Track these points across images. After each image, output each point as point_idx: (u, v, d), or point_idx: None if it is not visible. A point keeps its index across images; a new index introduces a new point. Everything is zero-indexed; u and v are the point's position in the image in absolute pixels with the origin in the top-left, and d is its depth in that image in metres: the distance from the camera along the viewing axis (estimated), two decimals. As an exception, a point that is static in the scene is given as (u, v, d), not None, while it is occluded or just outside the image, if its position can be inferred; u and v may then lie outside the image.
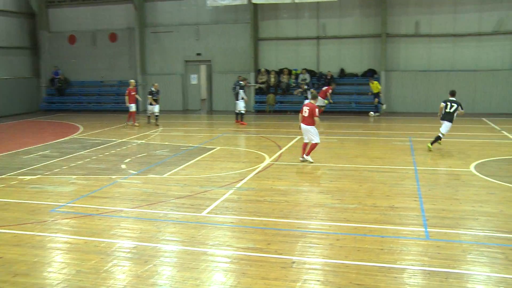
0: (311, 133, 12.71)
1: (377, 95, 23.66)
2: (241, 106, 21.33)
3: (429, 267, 6.36)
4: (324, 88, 22.93)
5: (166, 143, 16.64)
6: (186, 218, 8.60)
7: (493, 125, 19.41)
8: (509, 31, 23.24)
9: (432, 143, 14.42)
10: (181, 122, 23.21)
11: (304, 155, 12.90)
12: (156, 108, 21.15)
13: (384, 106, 23.85)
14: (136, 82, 24.23)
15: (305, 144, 12.97)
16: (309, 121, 12.65)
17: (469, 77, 23.61)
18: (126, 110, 21.88)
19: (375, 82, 23.54)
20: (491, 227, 7.85)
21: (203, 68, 28.54)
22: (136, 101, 21.65)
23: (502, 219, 8.22)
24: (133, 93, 21.46)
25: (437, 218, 8.28)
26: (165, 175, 11.84)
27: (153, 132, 19.28)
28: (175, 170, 12.38)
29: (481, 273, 6.21)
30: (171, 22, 27.63)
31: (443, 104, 14.56)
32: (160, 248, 7.26)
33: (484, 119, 21.07)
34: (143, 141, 17.00)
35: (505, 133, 17.16)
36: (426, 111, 24.13)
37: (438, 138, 14.47)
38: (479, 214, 8.49)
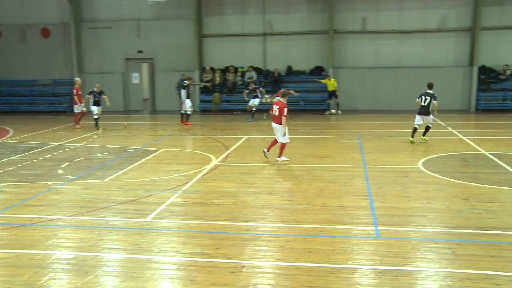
0: (279, 133, 12.90)
1: (333, 92, 23.88)
2: (187, 106, 21.08)
3: (380, 265, 6.54)
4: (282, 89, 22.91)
5: (107, 145, 16.25)
6: (130, 224, 8.43)
7: (439, 121, 20.21)
8: (452, 28, 24.31)
9: (424, 134, 15.58)
10: (123, 123, 22.75)
11: (277, 158, 13.10)
12: (98, 110, 20.36)
13: (333, 111, 24.21)
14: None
15: (275, 141, 13.11)
16: (279, 120, 12.81)
17: (416, 74, 24.50)
18: (63, 111, 21.21)
19: (333, 79, 23.78)
20: (439, 223, 8.17)
21: (145, 66, 28.11)
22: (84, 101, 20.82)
23: (449, 214, 8.57)
24: (80, 92, 20.70)
25: (387, 216, 8.53)
26: (106, 180, 11.56)
27: (92, 134, 18.78)
28: (117, 174, 12.12)
29: (430, 269, 6.45)
30: (109, 18, 27.03)
31: (418, 100, 15.45)
32: (102, 257, 7.07)
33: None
34: (81, 144, 16.53)
35: (451, 130, 17.92)
36: (375, 109, 24.85)
37: (427, 129, 15.58)
38: (428, 210, 8.81)
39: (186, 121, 21.13)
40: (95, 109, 20.36)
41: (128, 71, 27.47)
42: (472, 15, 23.95)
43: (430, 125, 15.61)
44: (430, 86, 15.58)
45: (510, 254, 6.81)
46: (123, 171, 12.43)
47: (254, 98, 22.34)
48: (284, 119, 12.67)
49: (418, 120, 15.45)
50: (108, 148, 15.73)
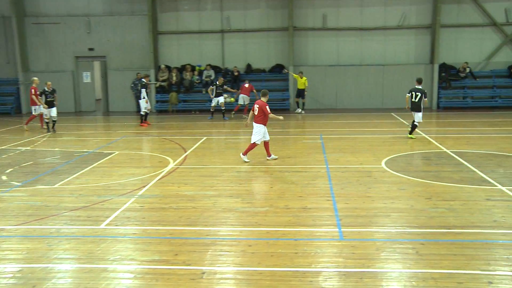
0: (254, 132, 13.08)
1: (302, 91, 23.90)
2: (143, 106, 20.77)
3: (344, 268, 6.63)
4: (247, 85, 22.80)
5: (57, 149, 15.88)
6: (83, 232, 8.26)
7: (401, 120, 20.69)
8: (412, 25, 24.95)
9: (411, 132, 16.11)
10: (74, 125, 22.28)
11: (241, 154, 13.32)
12: (52, 112, 19.28)
13: (298, 110, 24.38)
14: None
15: (266, 143, 13.37)
16: (258, 119, 13.00)
17: (377, 71, 25.02)
18: (7, 113, 20.57)
19: (304, 78, 23.69)
20: (402, 223, 8.36)
21: (96, 64, 27.61)
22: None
23: (413, 214, 8.78)
24: (38, 92, 19.89)
25: (350, 217, 8.66)
26: (56, 185, 11.29)
27: (40, 137, 18.30)
28: (68, 179, 11.85)
29: (395, 270, 6.59)
30: (57, 12, 26.40)
31: (408, 95, 16.04)
32: (52, 268, 6.89)
33: (393, 114, 22.40)
34: (28, 148, 16.08)
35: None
36: (337, 107, 25.22)
37: (414, 126, 16.10)
38: (391, 210, 9.00)
39: (144, 122, 20.81)
40: (46, 112, 19.36)
41: (79, 70, 26.90)
42: (432, 12, 24.65)
43: (418, 123, 16.07)
44: (419, 81, 16.27)
45: (471, 252, 7.03)
46: (74, 175, 12.17)
47: (218, 96, 22.16)
48: (271, 115, 13.00)
49: (418, 116, 16.06)
50: (58, 152, 15.37)
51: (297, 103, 24.48)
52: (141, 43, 26.18)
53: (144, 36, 25.94)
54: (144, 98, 20.68)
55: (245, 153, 13.26)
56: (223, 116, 22.11)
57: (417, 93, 15.88)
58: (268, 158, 13.43)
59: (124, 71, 26.26)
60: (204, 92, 25.24)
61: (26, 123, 20.26)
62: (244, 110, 22.79)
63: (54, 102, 19.50)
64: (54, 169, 12.97)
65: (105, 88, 27.07)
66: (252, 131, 13.29)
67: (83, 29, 26.32)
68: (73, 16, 26.28)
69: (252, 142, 13.13)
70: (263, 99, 13.19)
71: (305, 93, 23.99)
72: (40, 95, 19.46)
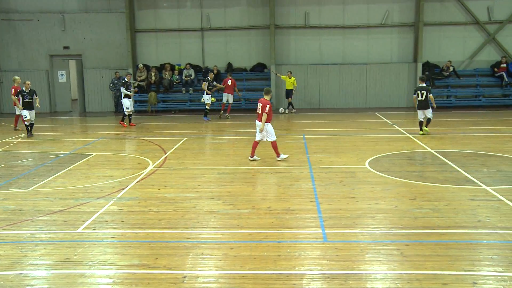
0: (265, 131, 13.20)
1: (290, 92, 23.87)
2: (127, 104, 20.49)
3: (328, 270, 6.67)
4: (230, 81, 22.56)
5: (31, 151, 15.69)
6: (59, 236, 8.18)
7: (385, 119, 20.88)
8: (395, 24, 25.21)
9: (427, 126, 16.94)
10: (49, 126, 22.03)
11: (277, 158, 13.42)
12: (30, 114, 18.33)
13: (281, 110, 24.42)
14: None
15: (256, 143, 13.43)
16: (260, 117, 13.15)
17: (361, 70, 25.22)
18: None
19: (293, 78, 23.69)
20: (387, 224, 8.44)
21: (72, 63, 27.34)
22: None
23: (397, 215, 8.87)
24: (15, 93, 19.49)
25: (334, 218, 8.71)
26: (30, 189, 11.16)
27: (13, 138, 18.06)
28: (43, 182, 11.72)
29: (379, 271, 6.65)
30: (29, 9, 26.07)
31: (415, 96, 16.94)
32: (26, 275, 6.80)
33: (376, 113, 22.58)
34: (0, 150, 15.87)
35: (397, 127, 18.54)
36: (319, 107, 25.34)
37: (429, 121, 16.97)
38: (375, 211, 9.08)
39: (124, 122, 20.58)
40: (26, 114, 18.18)
41: (54, 69, 26.61)
42: (415, 10, 24.93)
43: (431, 117, 16.96)
44: (422, 79, 17.23)
45: (456, 252, 7.13)
46: (50, 178, 12.04)
47: (206, 94, 21.79)
48: (264, 116, 12.97)
49: (420, 115, 16.93)
50: (33, 154, 15.19)
51: (289, 103, 24.40)
52: (119, 42, 26.02)
53: (122, 34, 25.79)
54: (124, 98, 20.42)
55: (278, 155, 13.43)
56: (204, 116, 21.97)
57: (422, 91, 16.63)
58: (250, 158, 13.46)
59: (101, 71, 26.06)
60: (184, 92, 25.19)
61: (15, 126, 19.96)
62: (227, 109, 22.77)
63: (35, 105, 18.59)
64: (28, 172, 12.82)
65: (81, 87, 26.82)
66: (255, 131, 13.46)
67: (58, 27, 26.05)
68: (46, 13, 25.99)
69: (272, 140, 13.34)
70: (266, 97, 13.27)
71: (293, 92, 23.94)
72: (17, 95, 18.53)
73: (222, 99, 22.87)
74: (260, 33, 25.71)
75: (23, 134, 18.96)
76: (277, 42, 25.42)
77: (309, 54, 25.75)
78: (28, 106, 18.28)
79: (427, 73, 24.69)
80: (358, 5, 25.21)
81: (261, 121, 13.12)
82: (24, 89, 18.39)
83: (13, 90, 19.57)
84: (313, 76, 25.44)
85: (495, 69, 24.73)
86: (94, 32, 26.07)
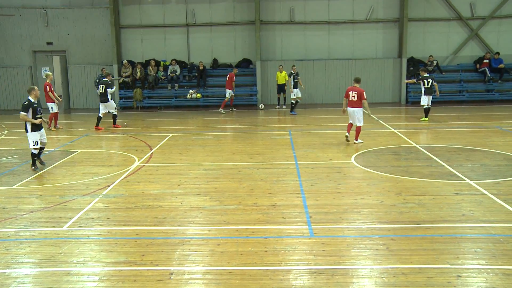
0: (359, 115, 14.68)
1: (283, 86, 23.75)
2: (113, 106, 19.37)
3: (314, 265, 6.70)
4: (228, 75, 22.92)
5: (14, 148, 15.53)
6: (44, 234, 8.12)
7: (371, 115, 20.95)
8: (380, 19, 25.31)
9: (427, 116, 18.87)
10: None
11: (354, 140, 14.82)
12: (41, 136, 16.27)
13: (262, 106, 24.38)
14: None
15: (351, 124, 14.95)
16: (358, 103, 14.63)
17: (346, 65, 25.29)
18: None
19: (284, 72, 23.49)
20: (372, 219, 8.49)
21: (56, 59, 27.03)
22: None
23: (383, 209, 8.93)
24: (53, 89, 19.25)
25: (320, 214, 8.75)
26: (14, 186, 11.05)
27: (-3, 136, 17.87)
28: (27, 179, 11.62)
29: (365, 266, 6.70)
30: (10, 4, 25.72)
31: (414, 80, 20.15)
32: (11, 273, 6.74)
33: (362, 108, 22.63)
34: (-16, 147, 15.70)
35: (382, 123, 18.63)
36: (305, 102, 25.37)
37: (427, 110, 19.06)
38: (361, 206, 9.14)
39: (115, 124, 19.47)
40: (37, 139, 13.09)
41: (37, 65, 26.32)
42: (399, 6, 25.05)
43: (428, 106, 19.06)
44: (425, 70, 19.82)
45: (441, 246, 7.21)
46: (34, 176, 11.95)
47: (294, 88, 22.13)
48: (365, 102, 14.66)
49: (426, 101, 18.97)
50: (16, 151, 15.03)
51: (279, 99, 24.31)
52: (103, 37, 25.80)
53: (106, 30, 25.58)
54: (111, 99, 19.32)
55: (356, 138, 14.81)
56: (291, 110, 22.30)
57: (428, 80, 18.91)
58: (347, 135, 14.84)
59: (85, 67, 25.84)
60: (169, 88, 25.08)
61: (49, 126, 19.08)
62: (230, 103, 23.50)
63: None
64: (12, 169, 12.69)
65: (66, 84, 26.56)
66: (350, 115, 14.85)
67: (41, 22, 25.76)
68: (28, 8, 25.66)
69: (358, 125, 14.74)
70: (358, 85, 14.77)
71: (286, 88, 23.79)
72: (27, 108, 12.88)
73: (226, 95, 23.20)
74: (246, 28, 25.66)
75: (6, 130, 18.72)
76: (263, 37, 25.40)
77: (294, 49, 25.77)
78: (38, 125, 12.83)
79: (411, 68, 24.86)
80: (343, 0, 25.25)
81: (355, 107, 14.60)
82: (32, 100, 12.69)
83: (47, 86, 19.11)
84: (299, 71, 25.37)
85: (477, 65, 24.96)
86: (78, 28, 25.82)
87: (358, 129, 14.84)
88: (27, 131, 12.52)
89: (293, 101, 21.99)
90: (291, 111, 22.02)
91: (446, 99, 24.72)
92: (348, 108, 14.83)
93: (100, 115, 19.17)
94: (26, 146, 15.62)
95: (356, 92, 14.57)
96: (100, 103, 19.23)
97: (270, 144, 15.31)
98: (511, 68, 24.80)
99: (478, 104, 23.91)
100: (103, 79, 19.61)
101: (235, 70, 23.42)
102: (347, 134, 14.84)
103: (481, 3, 24.93)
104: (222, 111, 22.86)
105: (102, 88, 19.10)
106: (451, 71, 25.44)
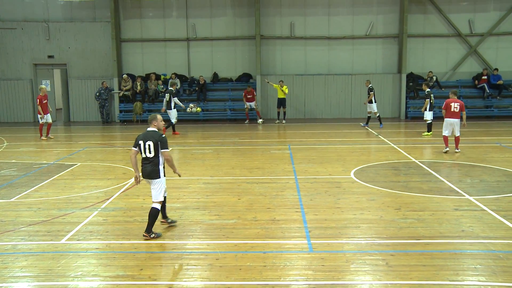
0: (458, 126, 15.33)
1: (283, 100, 23.84)
2: (174, 115, 20.60)
3: (313, 281, 6.66)
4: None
5: (13, 160, 15.50)
6: (42, 247, 8.07)
7: (370, 129, 21.00)
8: (380, 35, 25.45)
9: (430, 131, 19.21)
10: (32, 135, 21.78)
11: (456, 150, 15.45)
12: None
13: (260, 121, 24.37)
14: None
15: (446, 137, 15.55)
16: (458, 115, 15.34)
17: (346, 80, 25.37)
18: None
19: (285, 86, 23.63)
20: (372, 234, 8.46)
21: (57, 72, 27.12)
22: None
23: (382, 225, 8.90)
24: (45, 101, 19.57)
25: (320, 229, 8.72)
26: (13, 199, 11.02)
27: (-4, 148, 17.85)
28: (26, 192, 11.58)
29: (365, 282, 6.66)
30: (13, 17, 25.83)
31: (427, 100, 19.18)
32: (7, 287, 6.70)
33: (361, 124, 22.70)
34: (-17, 160, 15.67)
35: (382, 138, 18.66)
36: (305, 117, 25.43)
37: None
38: (361, 221, 9.10)
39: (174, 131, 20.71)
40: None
41: (38, 78, 26.37)
42: (399, 22, 25.19)
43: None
44: (428, 85, 20.20)
45: (440, 262, 7.17)
46: (33, 188, 11.90)
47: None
48: (464, 114, 15.39)
49: (431, 116, 19.37)
50: (15, 164, 15.00)
51: (278, 113, 24.29)
52: (104, 51, 25.90)
53: (107, 43, 25.68)
54: (174, 108, 20.49)
55: (457, 147, 15.44)
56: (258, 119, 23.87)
57: (431, 95, 19.20)
58: (456, 150, 15.45)
59: (86, 80, 25.91)
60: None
61: (47, 134, 19.91)
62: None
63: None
64: (10, 182, 12.66)
65: (66, 97, 26.60)
66: (448, 127, 15.40)
67: (42, 36, 25.87)
68: (30, 22, 25.77)
69: (458, 135, 15.37)
70: (455, 97, 15.66)
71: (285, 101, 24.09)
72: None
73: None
74: (246, 43, 25.78)
75: (6, 143, 18.70)
76: (263, 52, 25.50)
77: (294, 64, 25.86)
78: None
79: (410, 83, 24.95)
80: (343, 16, 25.42)
81: (456, 118, 15.28)
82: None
83: (38, 99, 19.61)
84: (299, 86, 25.52)
85: (476, 81, 25.04)
86: (79, 41, 25.92)
87: (458, 139, 15.43)
88: (160, 176, 8.78)
89: (369, 115, 22.12)
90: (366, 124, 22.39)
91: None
92: (448, 119, 15.39)
93: (172, 121, 20.46)
94: (25, 159, 15.61)
95: (458, 104, 15.34)
96: (167, 111, 20.44)
97: (269, 159, 15.29)
98: (509, 84, 24.92)
99: (477, 120, 23.93)
100: (169, 88, 20.71)
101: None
102: (447, 149, 15.51)
103: (480, 20, 25.09)
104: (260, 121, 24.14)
105: (168, 97, 20.36)
106: (450, 87, 25.44)
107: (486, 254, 7.48)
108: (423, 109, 19.54)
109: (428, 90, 19.35)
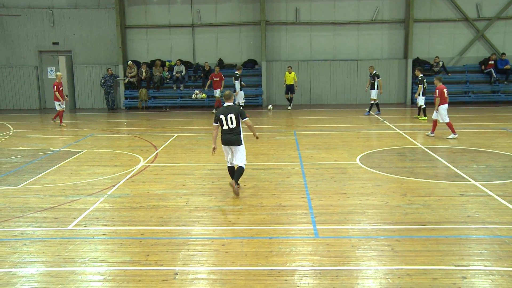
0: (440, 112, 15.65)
1: (291, 87, 23.75)
2: (241, 96, 21.39)
3: (319, 266, 6.69)
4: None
5: (20, 148, 15.58)
6: (49, 233, 8.14)
7: (375, 115, 20.93)
8: (386, 20, 25.25)
9: (426, 115, 19.43)
10: (39, 122, 21.88)
11: (447, 137, 15.52)
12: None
13: (270, 107, 24.30)
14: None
15: (450, 123, 15.60)
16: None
17: (351, 66, 25.25)
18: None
19: (293, 73, 23.59)
20: (377, 220, 8.47)
21: (62, 59, 27.07)
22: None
23: (388, 210, 8.91)
24: (61, 88, 19.81)
25: (325, 214, 8.74)
26: (20, 186, 11.09)
27: (1, 135, 17.92)
28: (33, 179, 11.65)
29: (370, 267, 6.68)
30: (17, 4, 25.82)
31: (421, 86, 19.55)
32: (16, 272, 6.76)
33: (366, 109, 22.61)
34: (-10, 147, 15.76)
35: (388, 123, 18.61)
36: (311, 103, 25.36)
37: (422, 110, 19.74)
38: (366, 207, 9.11)
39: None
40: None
41: (43, 65, 26.41)
42: (405, 6, 24.98)
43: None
44: (420, 70, 20.17)
45: (445, 247, 7.18)
46: (40, 175, 11.97)
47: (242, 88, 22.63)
48: (437, 100, 15.55)
49: (423, 100, 19.76)
50: (22, 151, 15.07)
51: (288, 99, 24.23)
52: (109, 38, 25.86)
53: (112, 30, 25.63)
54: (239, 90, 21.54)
55: (454, 132, 15.47)
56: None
57: (425, 80, 19.68)
58: (431, 134, 15.91)
59: (91, 67, 25.91)
60: (175, 88, 25.11)
61: (61, 122, 20.08)
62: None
63: None
64: (17, 169, 12.73)
65: (71, 84, 26.63)
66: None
67: (47, 22, 25.84)
68: (34, 8, 25.74)
69: (447, 121, 15.49)
70: (441, 83, 15.82)
71: (296, 87, 23.92)
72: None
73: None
74: (251, 29, 25.65)
75: (12, 130, 18.78)
76: (268, 38, 25.38)
77: (300, 50, 25.75)
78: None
79: (419, 67, 24.79)
80: (349, 1, 25.22)
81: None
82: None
83: (55, 86, 19.81)
84: (304, 72, 25.41)
85: (483, 66, 24.85)
86: (84, 28, 25.88)
87: (450, 124, 15.63)
88: (242, 142, 10.13)
89: (372, 101, 21.62)
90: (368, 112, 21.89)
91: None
92: (445, 105, 15.57)
93: (240, 102, 21.78)
94: (33, 146, 15.70)
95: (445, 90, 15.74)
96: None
97: (275, 145, 15.29)
98: (517, 69, 24.72)
99: (483, 105, 23.83)
100: (234, 72, 21.90)
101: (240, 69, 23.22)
102: (433, 134, 15.95)
103: (487, 4, 24.82)
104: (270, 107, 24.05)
105: (234, 80, 21.94)
106: (457, 72, 25.34)
107: (491, 239, 7.48)
108: (416, 95, 20.08)
109: (421, 75, 19.67)
